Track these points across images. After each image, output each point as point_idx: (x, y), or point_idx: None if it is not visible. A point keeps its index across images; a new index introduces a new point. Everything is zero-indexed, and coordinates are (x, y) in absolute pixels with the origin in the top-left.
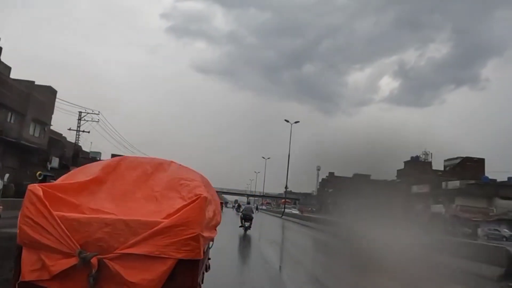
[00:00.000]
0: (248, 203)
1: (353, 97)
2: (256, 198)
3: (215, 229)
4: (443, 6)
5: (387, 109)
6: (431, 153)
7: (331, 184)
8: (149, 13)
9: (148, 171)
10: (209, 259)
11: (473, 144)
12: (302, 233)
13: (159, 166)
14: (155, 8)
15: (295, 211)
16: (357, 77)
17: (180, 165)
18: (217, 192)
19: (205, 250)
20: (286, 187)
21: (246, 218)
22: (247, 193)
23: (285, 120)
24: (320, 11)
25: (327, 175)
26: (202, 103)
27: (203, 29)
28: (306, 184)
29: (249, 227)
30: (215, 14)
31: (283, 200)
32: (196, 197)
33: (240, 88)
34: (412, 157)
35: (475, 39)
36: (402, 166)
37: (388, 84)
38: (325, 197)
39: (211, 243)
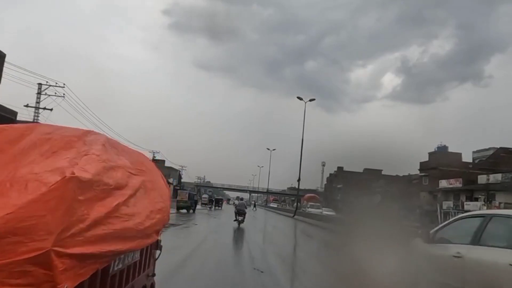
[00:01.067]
0: (241, 199)
1: (356, 93)
2: (259, 195)
3: (156, 235)
4: (447, 2)
5: (389, 106)
6: (447, 147)
7: (340, 179)
8: (151, 9)
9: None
10: None
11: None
12: None
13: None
14: (157, 3)
15: (329, 212)
16: (360, 73)
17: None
18: (218, 188)
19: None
20: (298, 179)
21: (240, 212)
22: (249, 189)
23: (298, 97)
24: (323, 7)
25: (335, 170)
26: (203, 99)
27: (205, 26)
28: (310, 181)
29: (242, 220)
30: (217, 10)
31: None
32: (60, 180)
33: (242, 84)
34: (438, 147)
35: (479, 35)
36: (423, 158)
37: (390, 80)
38: (333, 193)
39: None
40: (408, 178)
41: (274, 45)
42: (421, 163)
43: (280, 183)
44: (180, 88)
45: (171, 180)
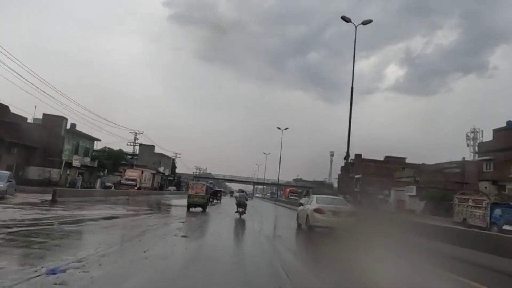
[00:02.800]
0: (243, 191)
1: (359, 85)
2: (264, 187)
3: None
4: None
5: (392, 97)
6: (482, 131)
7: (358, 168)
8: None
9: None
10: None
11: None
12: None
13: None
14: None
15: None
16: (363, 65)
17: None
18: (219, 180)
19: None
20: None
21: (240, 204)
22: (253, 180)
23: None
24: None
25: (352, 158)
26: (204, 90)
27: (207, 17)
28: (317, 173)
29: (243, 212)
30: (218, 1)
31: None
32: None
33: (243, 76)
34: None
35: (483, 25)
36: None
37: (394, 72)
38: (349, 185)
39: None
40: (437, 167)
41: (276, 36)
42: (480, 144)
43: (285, 174)
44: (179, 79)
45: (161, 169)
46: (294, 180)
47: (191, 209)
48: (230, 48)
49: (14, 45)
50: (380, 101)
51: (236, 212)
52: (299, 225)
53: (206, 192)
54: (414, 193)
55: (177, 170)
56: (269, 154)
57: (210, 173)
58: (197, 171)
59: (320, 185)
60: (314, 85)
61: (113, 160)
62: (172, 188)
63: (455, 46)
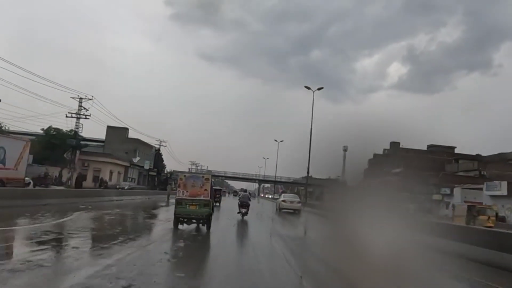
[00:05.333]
0: (245, 191)
1: (362, 83)
2: (269, 185)
3: None
4: None
5: (396, 95)
6: None
7: (395, 160)
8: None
9: None
10: None
11: None
12: None
13: None
14: None
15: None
16: (366, 63)
17: None
18: (220, 177)
19: None
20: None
21: (243, 204)
22: (259, 178)
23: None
24: None
25: (385, 149)
26: (207, 90)
27: (208, 16)
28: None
29: (246, 213)
30: (220, 0)
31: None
32: None
33: (246, 75)
34: None
35: (488, 22)
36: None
37: (397, 70)
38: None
39: None
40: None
41: (278, 35)
42: None
43: (288, 172)
44: (186, 75)
45: (135, 160)
46: (303, 177)
47: (181, 226)
48: (232, 48)
49: None
50: (383, 99)
51: (238, 212)
52: (276, 209)
53: (209, 194)
54: (504, 192)
55: (171, 167)
56: (281, 141)
57: (211, 171)
58: (193, 167)
59: (333, 183)
60: (318, 84)
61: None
62: (127, 184)
63: (459, 44)
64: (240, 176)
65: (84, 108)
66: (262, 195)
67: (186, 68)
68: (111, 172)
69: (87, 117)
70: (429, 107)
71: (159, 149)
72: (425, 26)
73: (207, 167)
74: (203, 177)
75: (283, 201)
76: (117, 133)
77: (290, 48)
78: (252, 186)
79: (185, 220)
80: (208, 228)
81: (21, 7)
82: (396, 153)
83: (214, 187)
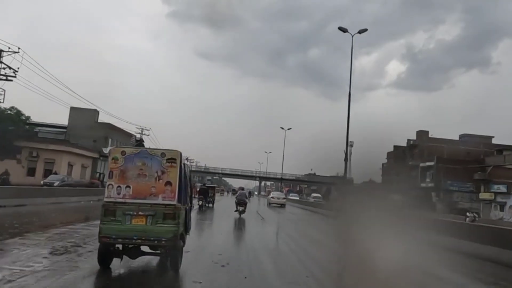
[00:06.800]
0: (243, 189)
1: (360, 81)
2: (271, 183)
3: None
4: None
5: (394, 94)
6: None
7: (425, 153)
8: None
9: None
10: None
11: None
12: None
13: None
14: None
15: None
16: (364, 61)
17: None
18: (217, 174)
19: None
20: None
21: (240, 203)
22: (260, 175)
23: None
24: None
25: (410, 139)
26: (205, 88)
27: (206, 14)
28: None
29: (243, 211)
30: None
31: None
32: None
33: (244, 74)
34: None
35: (486, 20)
36: None
37: (395, 68)
38: (406, 178)
39: None
40: None
41: (276, 33)
42: None
43: (291, 169)
44: (183, 74)
45: (106, 150)
46: (307, 175)
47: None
48: (230, 46)
49: None
50: (382, 97)
51: (235, 211)
52: (267, 204)
53: (178, 193)
54: None
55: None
56: (288, 129)
57: (208, 169)
58: (187, 162)
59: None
60: (316, 82)
61: None
62: (57, 178)
63: (458, 41)
64: (239, 173)
65: (9, 67)
66: (263, 193)
67: (184, 66)
68: (70, 165)
69: (9, 78)
70: (428, 106)
71: (141, 138)
72: (423, 24)
73: (205, 164)
74: (163, 156)
75: (272, 197)
76: (83, 116)
77: (288, 46)
78: (252, 184)
79: (123, 250)
80: (175, 267)
81: None
82: (423, 143)
83: (206, 185)
